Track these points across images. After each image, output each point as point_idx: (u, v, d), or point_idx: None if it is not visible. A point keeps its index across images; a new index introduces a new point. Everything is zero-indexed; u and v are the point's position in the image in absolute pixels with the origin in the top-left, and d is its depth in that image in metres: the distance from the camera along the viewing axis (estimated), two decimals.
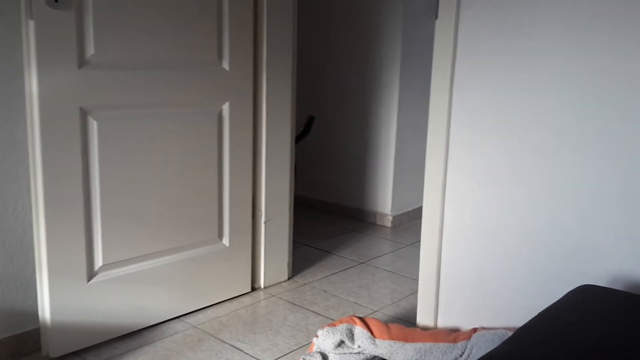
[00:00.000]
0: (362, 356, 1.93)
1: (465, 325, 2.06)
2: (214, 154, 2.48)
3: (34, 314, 2.10)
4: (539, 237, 1.87)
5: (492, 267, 1.99)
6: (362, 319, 1.99)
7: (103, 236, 2.14)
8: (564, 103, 1.77)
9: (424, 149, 3.29)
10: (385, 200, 3.94)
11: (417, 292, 2.54)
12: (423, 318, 2.16)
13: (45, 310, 2.04)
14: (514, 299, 1.95)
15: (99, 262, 2.15)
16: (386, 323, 2.01)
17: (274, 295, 2.70)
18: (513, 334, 1.22)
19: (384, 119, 3.86)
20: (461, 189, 2.03)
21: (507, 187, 1.92)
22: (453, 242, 2.07)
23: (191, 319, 2.43)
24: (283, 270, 2.87)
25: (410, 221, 4.01)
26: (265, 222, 2.73)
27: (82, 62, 2.02)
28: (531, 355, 1.11)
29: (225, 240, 2.58)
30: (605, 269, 1.76)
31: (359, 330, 1.95)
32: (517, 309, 1.94)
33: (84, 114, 2.05)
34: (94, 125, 2.08)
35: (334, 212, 4.16)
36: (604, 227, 1.75)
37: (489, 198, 1.97)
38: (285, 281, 2.87)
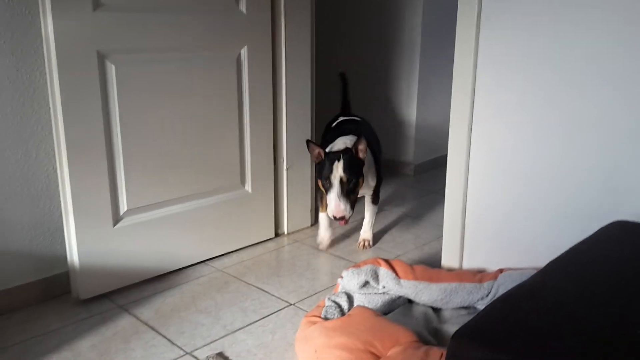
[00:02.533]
0: (386, 296, 1.92)
1: (491, 266, 2.04)
2: (234, 99, 2.44)
3: (62, 258, 2.13)
4: (567, 176, 1.82)
5: (519, 207, 1.95)
6: (386, 261, 1.98)
7: (126, 181, 2.14)
8: (597, 32, 1.69)
9: (447, 94, 3.19)
10: (407, 149, 3.89)
11: (440, 237, 2.51)
12: (448, 260, 2.14)
13: (74, 253, 2.06)
14: (542, 239, 1.91)
15: (123, 206, 2.16)
16: (410, 265, 2.00)
17: (297, 241, 2.71)
18: (544, 267, 1.19)
19: (406, 66, 3.77)
20: (487, 131, 1.97)
21: (535, 127, 1.86)
22: (479, 183, 2.03)
23: (216, 263, 2.45)
24: (306, 217, 2.87)
25: (433, 169, 3.96)
26: (287, 169, 2.71)
27: (96, 4, 1.97)
28: (563, 288, 1.08)
29: (248, 187, 2.58)
30: (636, 206, 1.71)
31: (384, 271, 1.94)
32: (545, 249, 1.90)
33: (101, 58, 2.02)
34: (111, 69, 2.05)
35: None
36: (635, 164, 1.69)
37: (516, 139, 1.91)
38: (308, 227, 2.87)
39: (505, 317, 0.94)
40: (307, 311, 2.01)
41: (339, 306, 1.85)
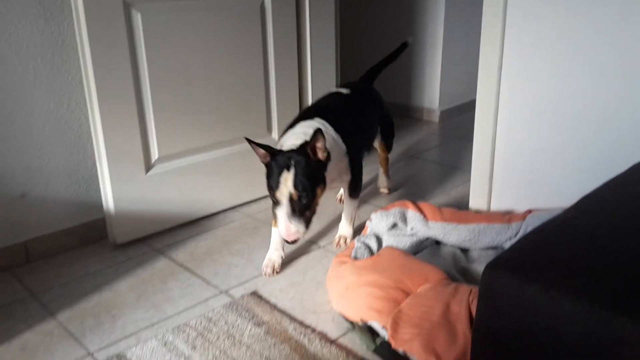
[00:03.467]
0: (414, 238, 1.95)
1: (519, 208, 2.05)
2: (258, 47, 2.43)
3: (98, 204, 2.20)
4: (596, 117, 1.80)
5: (548, 149, 1.94)
6: (414, 203, 2.00)
7: (156, 129, 2.18)
8: None
9: (473, 39, 3.13)
10: (433, 95, 3.85)
11: (466, 182, 2.52)
12: (476, 203, 2.15)
13: (109, 200, 2.12)
14: (570, 180, 1.91)
15: (155, 154, 2.20)
16: (438, 207, 2.02)
17: None
18: (577, 202, 1.19)
19: (430, 9, 3.69)
20: (517, 74, 1.94)
21: (565, 68, 1.82)
22: (508, 125, 2.02)
23: (246, 209, 2.50)
24: None
25: (459, 115, 3.92)
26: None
27: None
28: (597, 223, 1.08)
29: (275, 134, 2.60)
30: None
31: (412, 213, 1.96)
32: (573, 191, 1.88)
33: (127, 6, 2.02)
34: (138, 18, 2.05)
35: None
36: None
37: (545, 81, 1.88)
38: None
39: (539, 249, 0.96)
40: (335, 253, 2.05)
41: (368, 247, 1.88)
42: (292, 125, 1.96)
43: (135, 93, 2.09)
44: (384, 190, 2.64)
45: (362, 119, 2.18)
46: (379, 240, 1.93)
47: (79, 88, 2.07)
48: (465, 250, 1.95)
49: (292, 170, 1.68)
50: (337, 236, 2.19)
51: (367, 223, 2.00)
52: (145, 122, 2.15)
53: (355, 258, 1.81)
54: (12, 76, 1.93)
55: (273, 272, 1.96)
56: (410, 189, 2.70)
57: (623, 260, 0.90)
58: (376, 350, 1.53)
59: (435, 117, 3.85)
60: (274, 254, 2.00)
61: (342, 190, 2.32)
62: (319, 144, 1.74)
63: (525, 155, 2.00)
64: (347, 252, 1.85)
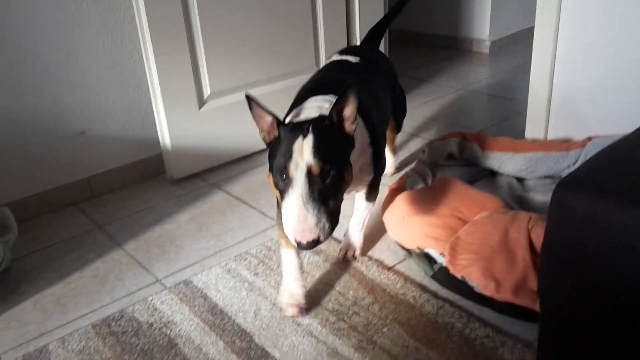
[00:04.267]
0: (470, 168, 1.94)
1: (577, 137, 1.99)
2: None
3: (155, 141, 2.25)
4: None
5: (609, 75, 1.86)
6: (470, 133, 1.98)
7: (208, 65, 2.18)
8: None
9: None
10: (483, 25, 3.71)
11: (519, 113, 2.46)
12: (532, 131, 2.11)
13: (165, 136, 2.17)
14: (631, 107, 1.84)
15: (207, 90, 2.22)
16: (494, 137, 1.99)
17: None
18: None
19: None
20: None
21: None
22: (567, 50, 1.94)
23: None
24: None
25: (510, 46, 3.79)
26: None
27: None
28: None
29: None
30: None
31: (467, 143, 1.94)
32: (635, 118, 1.83)
33: None
34: None
35: (425, 42, 3.99)
36: None
37: (608, 4, 1.78)
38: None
39: (611, 167, 0.94)
40: (388, 185, 2.06)
41: (423, 177, 1.88)
42: (296, 104, 1.49)
43: (187, 30, 2.09)
44: (390, 170, 2.17)
45: (380, 97, 1.67)
46: (433, 171, 1.93)
47: (132, 26, 2.08)
48: (521, 180, 1.93)
49: (311, 136, 1.18)
50: (342, 246, 1.70)
51: (420, 155, 1.99)
52: (197, 58, 2.16)
53: (410, 188, 1.82)
54: (65, 16, 1.95)
55: (300, 313, 1.48)
56: (461, 121, 2.66)
57: None
58: (434, 276, 1.56)
59: (485, 48, 3.72)
60: (294, 286, 1.50)
61: (346, 240, 1.71)
62: (349, 108, 1.23)
63: (584, 83, 1.93)
64: (400, 182, 1.86)
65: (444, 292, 1.53)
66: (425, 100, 2.72)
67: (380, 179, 1.56)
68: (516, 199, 1.80)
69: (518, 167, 1.89)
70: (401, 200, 1.71)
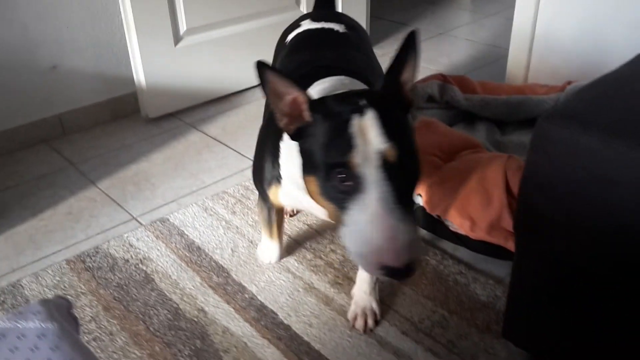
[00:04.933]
0: (450, 111, 1.93)
1: (558, 82, 1.99)
2: None
3: (129, 79, 2.18)
4: None
5: (592, 22, 1.84)
6: (451, 76, 1.96)
7: (184, 0, 2.10)
8: None
9: None
10: None
11: (500, 59, 2.45)
12: (512, 77, 2.10)
13: (139, 73, 2.11)
14: (613, 53, 1.83)
15: (183, 26, 2.14)
16: (474, 80, 1.97)
17: None
18: (632, 59, 1.14)
19: None
20: None
21: None
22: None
23: None
24: None
25: None
26: None
27: None
28: None
29: (303, 8, 2.50)
30: None
31: (449, 86, 1.92)
32: (617, 63, 1.83)
33: None
34: None
35: None
36: None
37: None
38: None
39: (595, 102, 0.94)
40: None
41: None
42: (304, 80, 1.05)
43: None
44: None
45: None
46: (413, 114, 1.91)
47: None
48: (500, 124, 1.93)
49: (372, 111, 0.85)
50: (352, 311, 1.29)
51: None
52: None
53: None
54: None
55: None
56: (442, 65, 2.63)
57: None
58: None
59: None
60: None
61: (358, 303, 1.29)
62: (412, 65, 0.91)
63: (566, 28, 1.91)
64: None
65: (421, 232, 1.55)
66: None
67: None
68: (494, 143, 1.80)
69: (499, 111, 1.88)
70: None
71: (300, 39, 1.38)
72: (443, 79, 1.93)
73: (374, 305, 1.27)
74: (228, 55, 2.30)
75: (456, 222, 1.44)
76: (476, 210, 1.43)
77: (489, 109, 1.89)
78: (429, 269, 1.41)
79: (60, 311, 0.73)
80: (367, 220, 0.81)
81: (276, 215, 1.34)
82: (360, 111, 0.84)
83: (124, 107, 2.23)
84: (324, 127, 0.86)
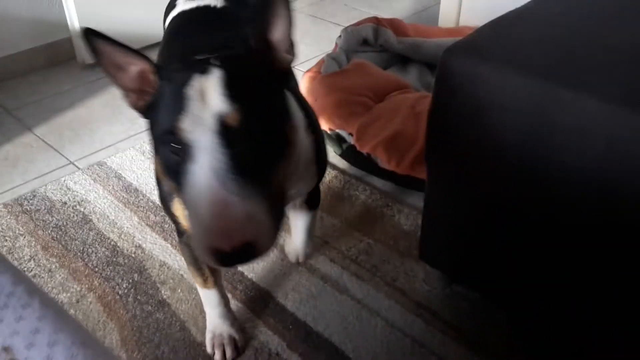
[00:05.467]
0: (384, 54, 1.98)
1: None
2: None
3: (63, 24, 2.14)
4: None
5: None
6: (385, 19, 2.00)
7: None
8: None
9: None
10: None
11: (435, 5, 2.50)
12: (444, 22, 2.16)
13: (73, 17, 2.07)
14: None
15: None
16: (408, 24, 2.02)
17: (295, 10, 2.68)
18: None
19: None
20: None
21: None
22: None
23: None
24: None
25: None
26: None
27: None
28: (554, 19, 1.11)
29: None
30: None
31: (382, 29, 1.97)
32: None
33: None
34: None
35: None
36: None
37: None
38: None
39: (494, 36, 1.00)
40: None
41: (338, 62, 1.91)
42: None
43: None
44: None
45: None
46: (348, 57, 1.96)
47: None
48: (432, 67, 2.00)
49: (218, 70, 0.73)
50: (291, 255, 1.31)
51: (337, 40, 2.01)
52: None
53: (325, 73, 1.85)
54: None
55: (233, 355, 1.11)
56: (383, 10, 2.66)
57: (576, 44, 0.95)
58: (342, 154, 1.64)
59: None
60: (222, 327, 1.12)
61: (293, 245, 1.31)
62: (283, 23, 0.77)
63: None
64: (316, 68, 1.88)
65: (352, 170, 1.62)
66: None
67: (322, 177, 1.10)
68: (425, 84, 1.87)
69: (431, 53, 1.95)
70: (315, 83, 1.75)
71: (175, 24, 1.21)
72: (377, 22, 1.98)
73: (308, 249, 1.29)
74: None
75: (384, 159, 1.52)
76: (403, 146, 1.51)
77: (420, 51, 1.95)
78: (358, 202, 1.49)
79: None
80: (196, 196, 0.68)
81: None
82: (204, 71, 0.72)
83: (60, 53, 2.19)
84: (165, 93, 0.74)
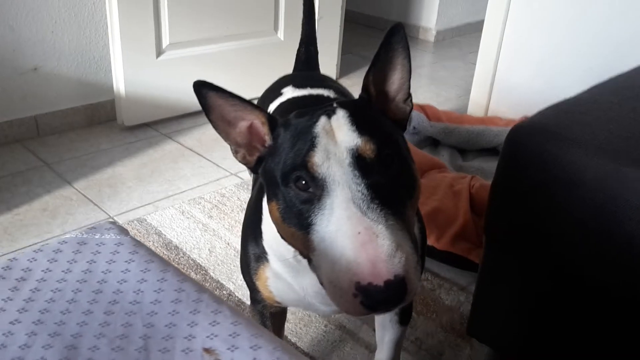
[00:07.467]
0: (416, 137, 2.06)
1: (516, 117, 2.17)
2: None
3: (108, 86, 2.23)
4: (601, 26, 1.90)
5: (550, 60, 2.04)
6: (418, 104, 2.10)
7: (169, 14, 2.19)
8: None
9: None
10: (430, 14, 3.87)
11: (461, 96, 2.63)
12: (474, 110, 2.26)
13: (119, 81, 2.16)
14: (569, 93, 2.02)
15: (166, 40, 2.22)
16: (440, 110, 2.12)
17: None
18: (587, 90, 1.29)
19: None
20: None
21: None
22: (514, 34, 2.10)
23: None
24: (332, 70, 2.95)
25: (453, 37, 3.97)
26: (318, 20, 2.74)
27: None
28: (609, 100, 1.19)
29: (280, 34, 2.62)
30: None
31: (415, 112, 2.06)
32: None
33: None
34: None
35: (374, 24, 4.11)
36: None
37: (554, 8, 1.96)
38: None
39: (558, 116, 1.07)
40: None
41: None
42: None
43: None
44: None
45: None
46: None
47: None
48: (462, 151, 2.07)
49: (342, 111, 0.73)
50: None
51: None
52: (159, 5, 2.15)
53: None
54: None
55: None
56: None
57: (637, 127, 1.01)
58: None
59: (431, 37, 3.89)
60: None
61: None
62: (401, 71, 0.78)
63: (528, 66, 2.10)
64: None
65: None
66: None
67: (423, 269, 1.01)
68: (457, 167, 1.94)
69: (461, 139, 2.03)
70: None
71: (284, 107, 1.15)
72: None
73: None
74: (206, 72, 2.38)
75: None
76: (443, 223, 1.55)
77: (452, 136, 2.03)
78: None
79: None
80: (333, 230, 0.63)
81: (272, 320, 1.01)
82: (327, 112, 0.72)
83: (101, 113, 2.26)
84: (285, 138, 0.72)
